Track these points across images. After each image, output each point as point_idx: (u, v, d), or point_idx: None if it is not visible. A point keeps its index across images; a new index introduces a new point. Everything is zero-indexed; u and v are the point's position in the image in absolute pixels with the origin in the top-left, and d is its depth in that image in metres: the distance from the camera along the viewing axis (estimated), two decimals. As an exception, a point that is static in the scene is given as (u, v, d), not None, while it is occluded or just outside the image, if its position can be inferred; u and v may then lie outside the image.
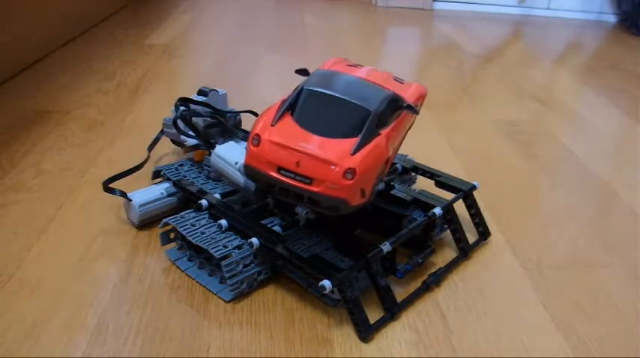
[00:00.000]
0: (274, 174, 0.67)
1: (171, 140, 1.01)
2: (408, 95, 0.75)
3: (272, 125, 0.68)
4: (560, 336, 0.70)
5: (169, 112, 1.28)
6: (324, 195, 0.65)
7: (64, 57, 1.65)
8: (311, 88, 0.70)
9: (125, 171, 0.91)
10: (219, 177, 0.89)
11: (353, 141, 0.65)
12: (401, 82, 0.77)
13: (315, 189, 0.65)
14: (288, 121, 0.68)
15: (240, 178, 0.80)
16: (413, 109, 0.71)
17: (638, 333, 0.71)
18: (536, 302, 0.76)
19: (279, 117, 0.69)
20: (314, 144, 0.65)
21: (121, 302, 0.71)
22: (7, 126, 1.17)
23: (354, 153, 0.64)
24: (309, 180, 0.65)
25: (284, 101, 0.71)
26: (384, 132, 0.67)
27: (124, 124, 1.21)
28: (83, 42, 1.81)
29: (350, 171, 0.63)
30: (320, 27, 2.18)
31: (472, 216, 0.87)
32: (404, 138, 0.77)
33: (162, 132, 1.01)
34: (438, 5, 2.69)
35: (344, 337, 0.68)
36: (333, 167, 0.64)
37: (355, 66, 0.79)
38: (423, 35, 2.22)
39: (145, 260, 0.79)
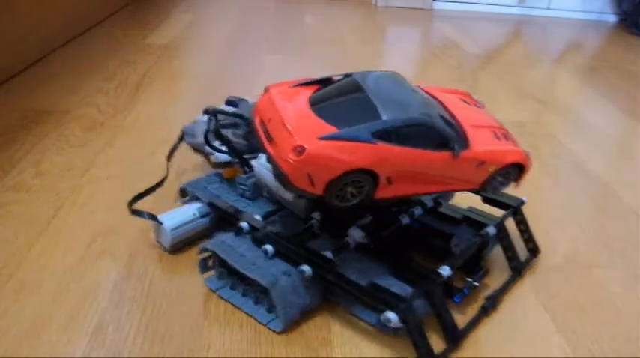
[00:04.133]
0: (256, 122, 0.68)
1: (192, 148, 0.96)
2: (482, 148, 0.69)
3: (289, 87, 0.70)
4: (560, 337, 0.70)
5: (170, 112, 1.28)
6: (273, 159, 0.64)
7: (64, 57, 1.65)
8: (356, 78, 0.69)
9: (148, 189, 0.85)
10: (253, 194, 0.84)
11: (333, 130, 0.62)
12: (499, 137, 0.72)
13: (270, 149, 0.65)
14: (305, 91, 0.69)
15: (289, 193, 0.74)
16: (453, 151, 0.65)
17: (638, 333, 0.71)
18: (536, 303, 0.76)
19: (304, 84, 0.71)
20: (298, 115, 0.64)
21: (120, 302, 0.71)
22: (7, 126, 1.17)
23: (322, 139, 0.60)
24: (271, 138, 0.65)
25: (329, 77, 0.72)
26: (382, 144, 0.62)
27: (124, 124, 1.21)
28: (83, 42, 1.81)
29: (300, 149, 0.60)
30: (320, 27, 2.18)
31: (521, 232, 0.83)
32: (453, 187, 0.70)
33: (180, 140, 0.95)
34: (438, 5, 2.68)
35: (344, 338, 0.68)
36: (290, 137, 0.61)
37: (469, 103, 0.77)
38: (423, 35, 2.22)
39: (145, 260, 0.79)
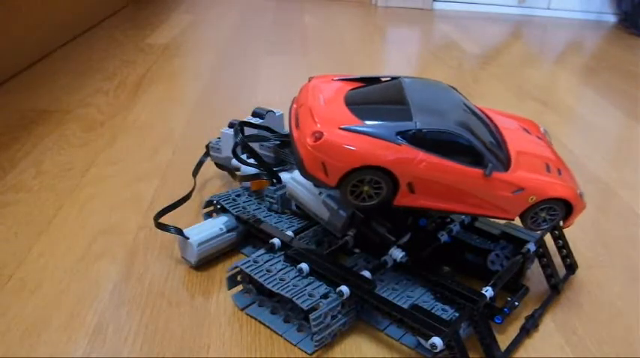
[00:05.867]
0: (292, 109, 0.69)
1: (217, 164, 0.95)
2: (523, 174, 0.65)
3: (333, 79, 0.71)
4: (560, 336, 0.70)
5: (170, 112, 1.28)
6: (294, 144, 0.64)
7: (64, 57, 1.65)
8: (401, 81, 0.69)
9: (174, 203, 0.84)
10: (281, 207, 0.82)
11: (353, 121, 0.61)
12: (550, 170, 0.67)
13: (294, 134, 0.64)
14: (345, 85, 0.70)
15: (325, 211, 0.73)
16: (485, 169, 0.62)
17: (639, 333, 0.71)
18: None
19: (348, 79, 0.72)
20: (328, 105, 0.64)
21: (120, 303, 0.71)
22: (7, 126, 1.17)
23: (344, 129, 0.60)
24: (298, 124, 0.65)
25: (377, 77, 0.73)
26: (405, 146, 0.60)
27: (125, 124, 1.21)
28: (83, 42, 1.81)
29: (318, 135, 0.60)
30: (320, 27, 2.18)
31: (559, 248, 0.80)
32: (485, 212, 0.66)
33: (206, 155, 0.95)
34: (438, 5, 2.69)
35: (344, 337, 0.68)
36: (313, 124, 0.61)
37: (530, 132, 0.74)
38: (422, 35, 2.22)
39: (145, 260, 0.79)
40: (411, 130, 0.61)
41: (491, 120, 0.73)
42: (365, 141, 0.60)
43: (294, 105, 0.70)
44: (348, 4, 2.65)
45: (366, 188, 0.62)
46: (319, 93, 0.67)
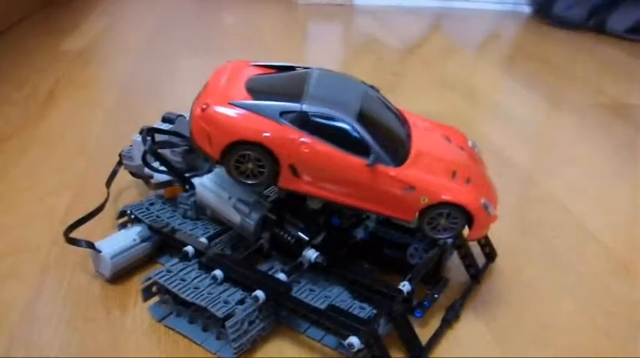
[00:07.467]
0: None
1: (131, 173, 0.92)
2: (415, 173, 0.63)
3: (248, 64, 0.72)
4: (482, 325, 0.71)
5: (84, 121, 1.24)
6: (191, 115, 0.65)
7: (-30, 67, 1.57)
8: (310, 71, 0.70)
9: (86, 216, 0.80)
10: (196, 213, 0.80)
11: (245, 99, 0.63)
12: (455, 177, 0.65)
13: (194, 106, 0.65)
14: (256, 70, 0.71)
15: (236, 216, 0.72)
16: (369, 161, 0.62)
17: (558, 317, 0.73)
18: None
19: (262, 66, 0.72)
20: (228, 84, 0.66)
21: (33, 322, 0.68)
22: None
23: (232, 104, 0.62)
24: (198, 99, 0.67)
25: (293, 66, 0.74)
26: (287, 126, 0.61)
27: (35, 136, 1.16)
28: (-9, 51, 1.73)
29: (205, 106, 0.62)
30: (240, 26, 2.15)
31: None
32: (378, 208, 0.65)
33: (119, 164, 0.91)
34: (359, 1, 2.70)
35: (265, 342, 0.67)
36: (205, 98, 0.64)
37: (451, 140, 0.72)
38: (343, 31, 2.23)
39: (58, 277, 0.76)
40: (294, 111, 0.62)
41: (405, 120, 0.72)
42: (246, 117, 0.62)
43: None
44: (268, 1, 2.63)
45: (250, 165, 0.63)
46: (224, 74, 0.69)
